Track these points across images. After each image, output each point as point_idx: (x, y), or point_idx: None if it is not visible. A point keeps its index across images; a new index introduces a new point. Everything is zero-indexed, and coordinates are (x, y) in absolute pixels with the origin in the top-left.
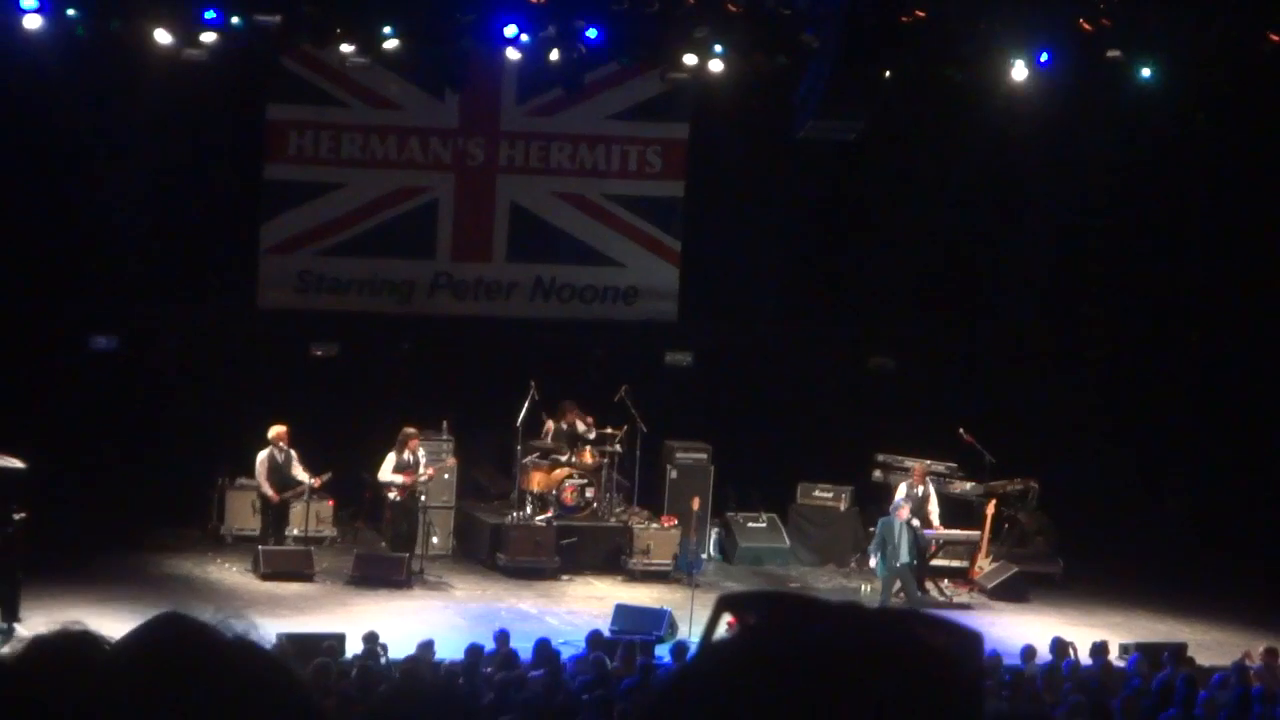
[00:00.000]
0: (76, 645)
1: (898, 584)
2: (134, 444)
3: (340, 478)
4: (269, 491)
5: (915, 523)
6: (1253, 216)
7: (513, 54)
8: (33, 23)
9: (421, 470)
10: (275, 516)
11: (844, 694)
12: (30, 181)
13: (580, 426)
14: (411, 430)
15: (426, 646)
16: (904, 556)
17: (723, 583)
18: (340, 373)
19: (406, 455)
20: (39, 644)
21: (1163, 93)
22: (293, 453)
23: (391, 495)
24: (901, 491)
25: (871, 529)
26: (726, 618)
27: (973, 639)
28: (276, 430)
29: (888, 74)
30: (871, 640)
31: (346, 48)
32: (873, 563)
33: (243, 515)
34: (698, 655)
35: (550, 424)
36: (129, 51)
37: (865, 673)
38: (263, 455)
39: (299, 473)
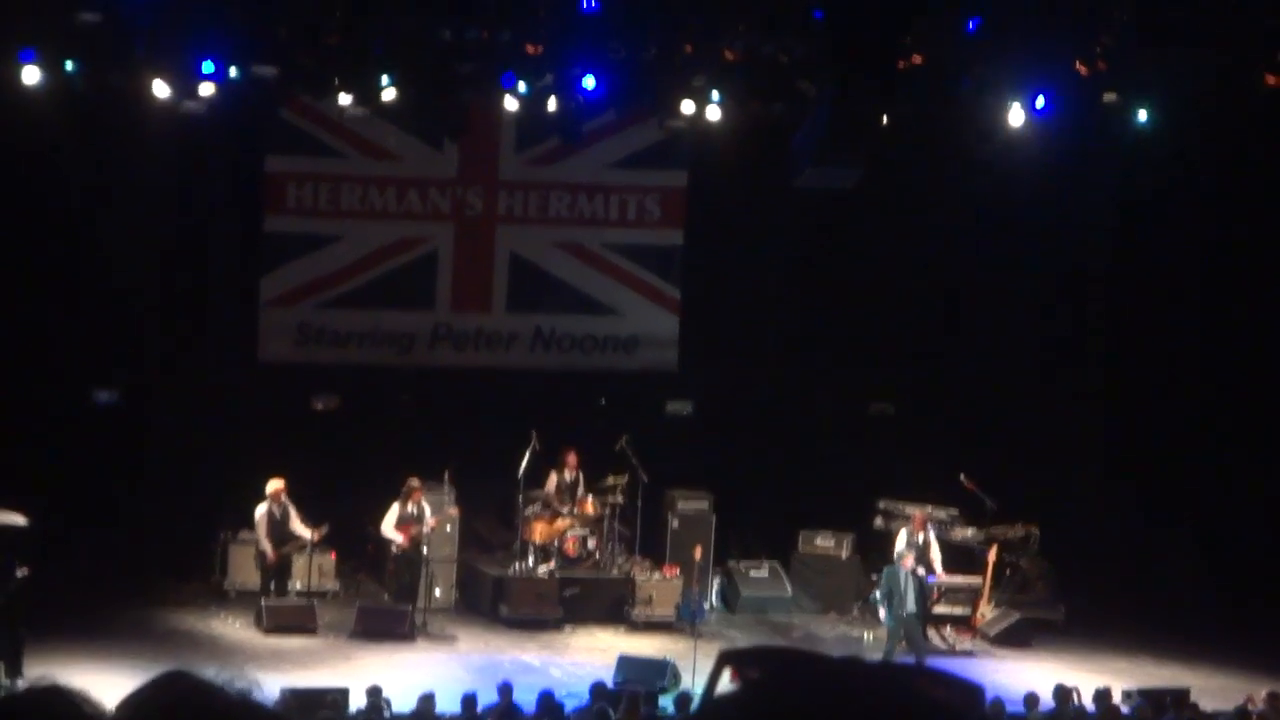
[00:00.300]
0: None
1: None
2: (136, 498)
3: (342, 531)
4: (267, 548)
5: (920, 571)
6: (1251, 260)
7: (511, 103)
8: (30, 76)
9: (426, 520)
10: (275, 572)
11: None
12: (29, 235)
13: (580, 478)
14: (415, 482)
15: (427, 699)
16: (910, 606)
17: (725, 632)
18: (341, 425)
19: (410, 507)
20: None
21: (1160, 136)
22: (290, 507)
23: (394, 548)
24: (902, 538)
25: (874, 577)
26: (728, 672)
27: (973, 692)
28: (274, 485)
29: (885, 120)
30: (872, 695)
31: (344, 99)
32: (882, 613)
33: (245, 569)
34: (700, 711)
35: (554, 476)
36: (127, 104)
37: None
38: (260, 510)
39: (298, 526)
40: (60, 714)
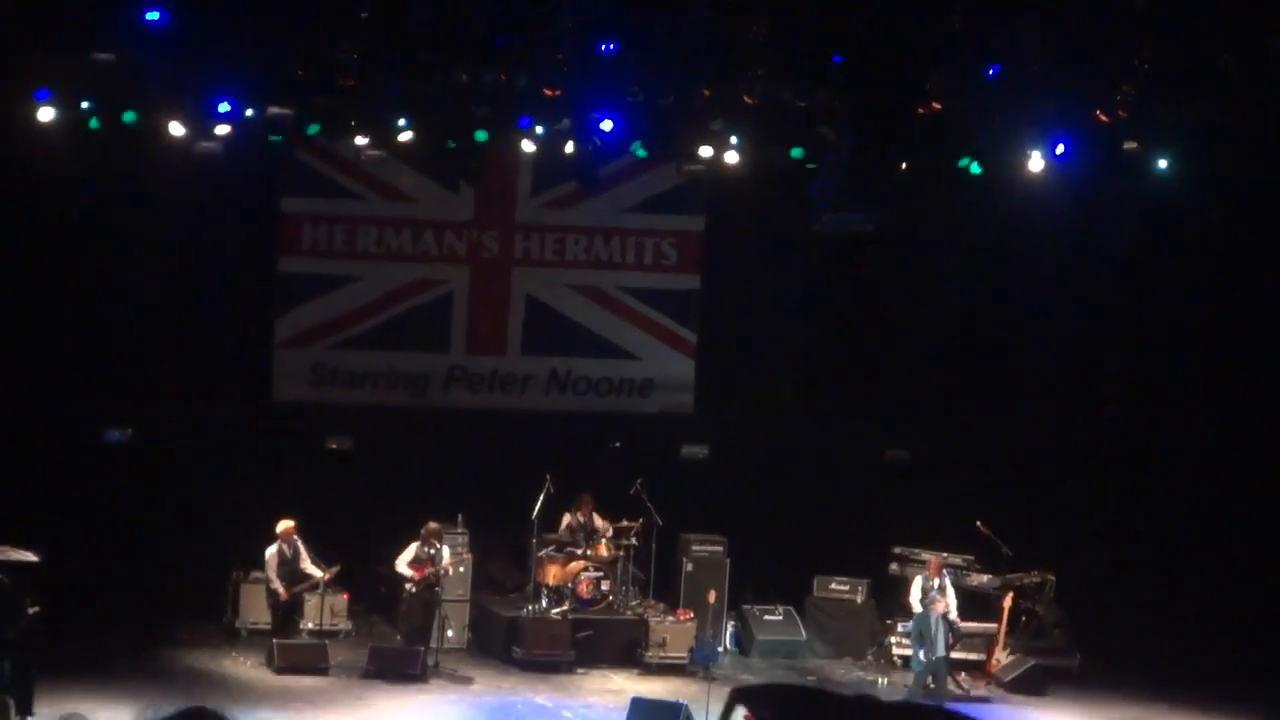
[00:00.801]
0: None
1: (930, 678)
2: (147, 537)
3: (355, 571)
4: (279, 588)
5: (952, 616)
6: (1271, 308)
7: (527, 146)
8: (45, 114)
9: (443, 561)
10: (286, 611)
11: None
12: (43, 274)
13: (598, 522)
14: (435, 525)
15: None
16: (940, 650)
17: (739, 675)
18: (355, 466)
19: (428, 548)
20: None
21: (1180, 184)
22: (301, 547)
23: (408, 586)
24: (918, 584)
25: (889, 621)
26: (741, 711)
27: None
28: (284, 525)
29: (904, 166)
30: None
31: (361, 140)
32: (919, 658)
33: (257, 609)
34: None
35: (568, 518)
36: (142, 144)
37: None
38: (271, 551)
39: (308, 567)
40: None
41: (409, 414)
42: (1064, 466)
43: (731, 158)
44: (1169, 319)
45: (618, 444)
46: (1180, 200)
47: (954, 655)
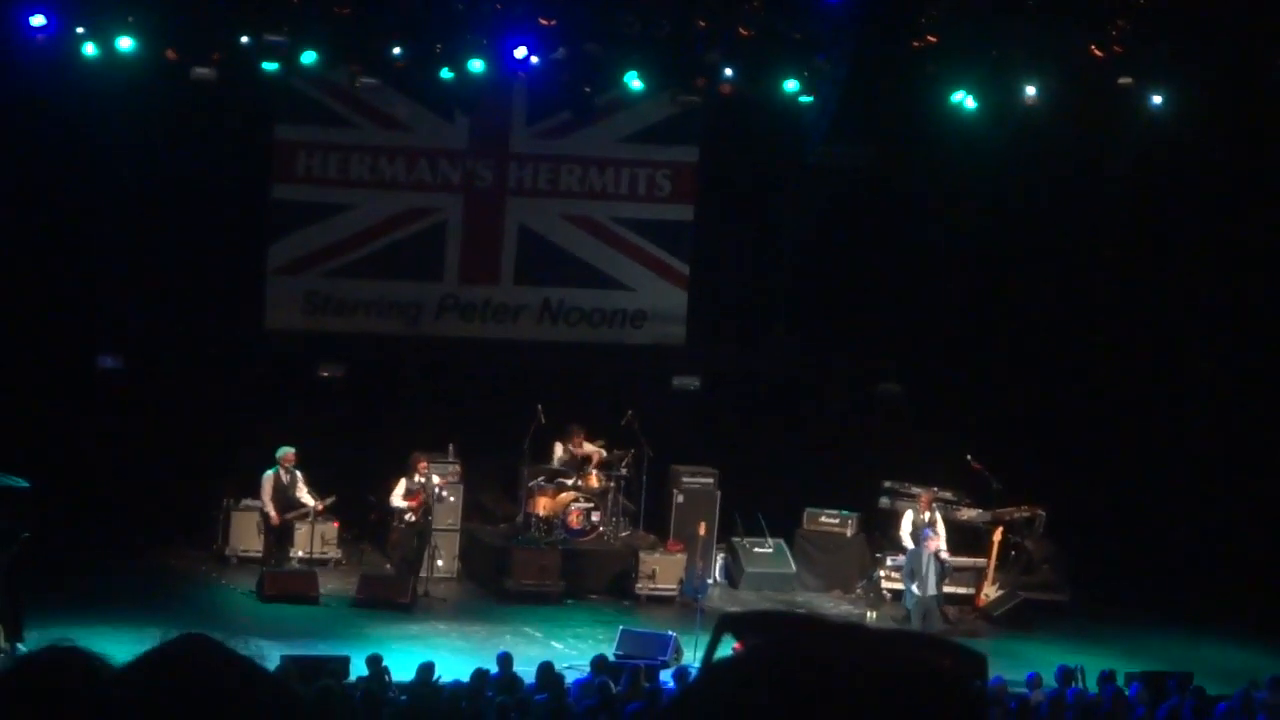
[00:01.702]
0: (65, 662)
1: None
2: (139, 464)
3: (345, 499)
4: (271, 512)
5: (943, 554)
6: (1265, 244)
7: (522, 76)
8: (41, 41)
9: (434, 483)
10: (278, 538)
11: (846, 715)
12: (37, 200)
13: (589, 448)
14: (419, 454)
15: (427, 669)
16: (931, 588)
17: (728, 608)
18: (347, 394)
19: (417, 478)
20: (29, 660)
21: (1174, 120)
22: (299, 475)
23: (406, 517)
24: (908, 518)
25: (879, 555)
26: (731, 640)
27: (976, 661)
28: (285, 452)
29: (899, 99)
30: (874, 661)
31: (356, 68)
32: (912, 593)
33: (248, 536)
34: (700, 675)
35: (559, 447)
36: (137, 69)
37: (867, 694)
38: (269, 475)
39: (304, 495)
40: (78, 674)
41: (401, 342)
42: (1056, 402)
43: (726, 89)
44: (1164, 253)
45: (605, 376)
46: (1175, 135)
47: (943, 589)
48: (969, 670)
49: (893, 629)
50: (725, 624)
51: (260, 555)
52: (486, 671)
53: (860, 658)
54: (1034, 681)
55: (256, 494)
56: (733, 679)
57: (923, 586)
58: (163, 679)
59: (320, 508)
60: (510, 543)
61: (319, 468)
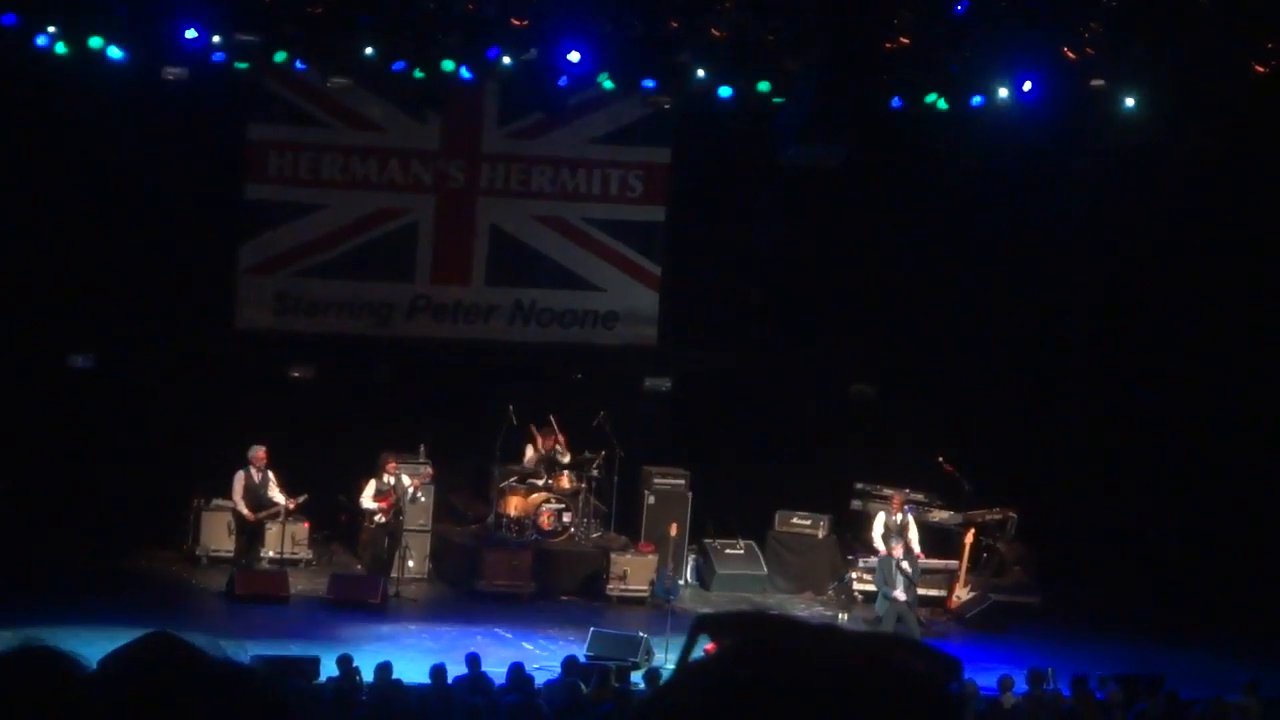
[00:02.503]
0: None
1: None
2: (110, 463)
3: (316, 499)
4: (244, 510)
5: (904, 565)
6: (1237, 246)
7: (494, 77)
8: (10, 38)
9: (405, 484)
10: (249, 537)
11: (819, 716)
12: (6, 199)
13: (557, 449)
14: (388, 454)
15: (384, 669)
16: (900, 595)
17: (699, 609)
18: (318, 394)
19: (386, 479)
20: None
21: (1147, 122)
22: (270, 474)
23: (376, 518)
24: (880, 520)
25: (850, 557)
26: (705, 640)
27: (950, 664)
28: (255, 451)
29: (871, 101)
30: (848, 663)
31: (327, 68)
32: (884, 598)
33: (218, 536)
34: (674, 676)
35: (530, 449)
36: (109, 69)
37: (841, 696)
38: (240, 474)
39: (275, 494)
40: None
41: (373, 343)
42: (1028, 404)
43: (698, 90)
44: (1136, 256)
45: (579, 376)
46: (1148, 137)
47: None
48: (944, 673)
49: (868, 630)
50: (701, 624)
51: (231, 555)
52: (443, 668)
53: (835, 659)
54: (1004, 683)
55: (228, 494)
56: (707, 679)
57: (889, 586)
58: (131, 677)
59: (292, 506)
60: (481, 543)
61: (289, 468)
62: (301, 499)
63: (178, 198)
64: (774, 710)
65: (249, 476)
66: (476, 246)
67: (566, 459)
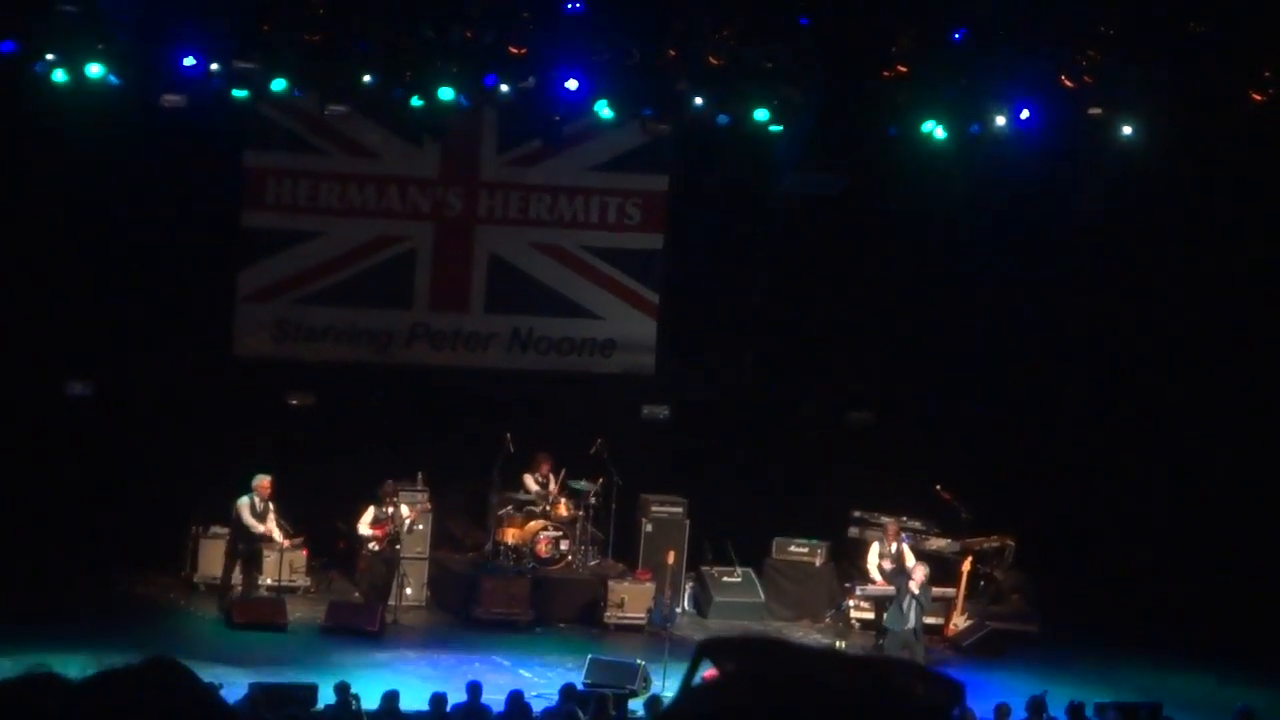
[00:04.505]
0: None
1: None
2: (108, 490)
3: (313, 527)
4: (260, 528)
5: (916, 591)
6: (1233, 273)
7: (493, 105)
8: (9, 67)
9: (404, 515)
10: (245, 565)
11: None
12: (5, 226)
13: (551, 480)
14: (390, 484)
15: (391, 698)
16: (910, 622)
17: (696, 637)
18: (316, 422)
19: (387, 507)
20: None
21: (1144, 150)
22: (271, 506)
23: (370, 545)
24: (875, 549)
25: (848, 585)
26: (707, 665)
27: (952, 688)
28: (260, 479)
29: (869, 129)
30: (850, 687)
31: (325, 96)
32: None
33: (216, 563)
34: (676, 700)
35: (529, 479)
36: (106, 96)
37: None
38: (243, 501)
39: (273, 526)
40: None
41: (371, 370)
42: (1026, 431)
43: (696, 118)
44: (1134, 283)
45: (575, 405)
46: (1145, 165)
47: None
48: (946, 698)
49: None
50: (704, 649)
51: (233, 581)
52: (444, 696)
53: (837, 683)
54: (1001, 711)
55: (224, 522)
56: (710, 704)
57: (902, 620)
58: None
59: (286, 544)
60: (479, 571)
61: (287, 495)
62: (297, 540)
63: (175, 225)
64: None
65: (252, 505)
66: (475, 274)
67: (552, 487)
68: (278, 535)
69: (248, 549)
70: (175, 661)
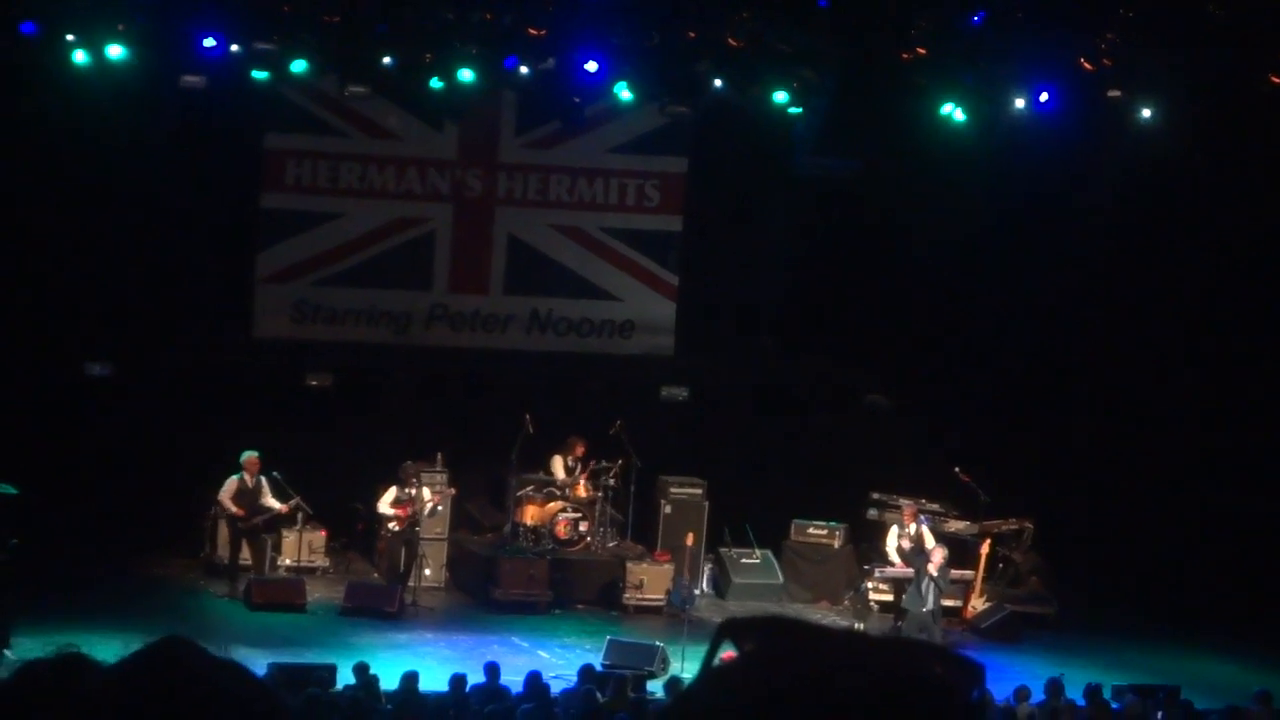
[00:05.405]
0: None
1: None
2: (127, 471)
3: (332, 507)
4: (233, 508)
5: (934, 573)
6: (1251, 257)
7: (512, 86)
8: (30, 47)
9: (425, 498)
10: (250, 541)
11: None
12: (26, 207)
13: (571, 461)
14: (411, 465)
15: (411, 678)
16: (929, 604)
17: (715, 619)
18: (335, 403)
19: (408, 489)
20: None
21: (1163, 133)
22: (264, 481)
23: (391, 525)
24: (894, 532)
25: (866, 566)
26: (728, 646)
27: (973, 670)
28: (248, 456)
29: (887, 111)
30: (870, 669)
31: (345, 77)
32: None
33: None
34: (696, 681)
35: (558, 461)
36: (126, 77)
37: (862, 702)
38: (233, 480)
39: (269, 500)
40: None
41: (390, 351)
42: (1044, 414)
43: (716, 99)
44: (1153, 267)
45: (594, 385)
46: (1164, 148)
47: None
48: (966, 679)
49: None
50: (724, 630)
51: (249, 563)
52: (463, 677)
53: (857, 664)
54: (1020, 694)
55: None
56: (730, 684)
57: (920, 602)
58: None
59: (285, 510)
60: (498, 552)
61: (306, 475)
62: (293, 502)
63: (195, 206)
64: (797, 715)
65: (241, 482)
66: (494, 255)
67: (577, 468)
68: (275, 504)
69: (248, 527)
70: (186, 640)
